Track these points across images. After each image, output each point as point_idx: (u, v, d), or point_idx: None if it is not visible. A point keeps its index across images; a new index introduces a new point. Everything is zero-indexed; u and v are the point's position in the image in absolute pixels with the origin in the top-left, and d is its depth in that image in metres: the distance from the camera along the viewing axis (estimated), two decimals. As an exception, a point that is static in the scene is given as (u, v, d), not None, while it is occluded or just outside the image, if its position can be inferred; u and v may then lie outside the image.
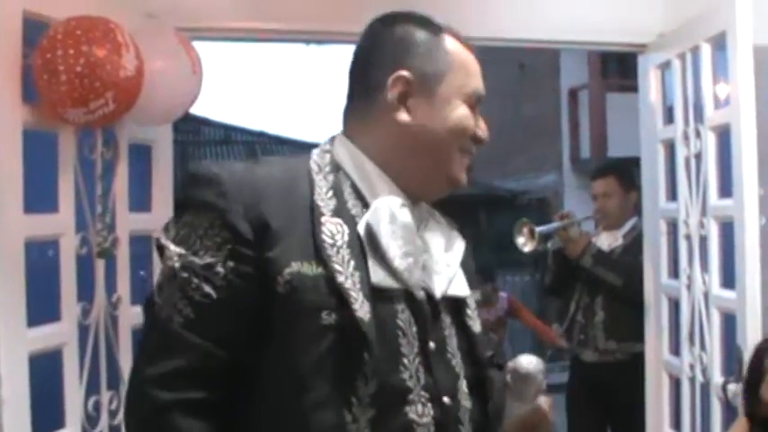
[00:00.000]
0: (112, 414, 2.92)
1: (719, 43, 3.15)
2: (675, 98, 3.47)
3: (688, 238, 3.35)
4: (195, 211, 1.46)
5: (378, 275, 1.44)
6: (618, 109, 12.13)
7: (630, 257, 4.26)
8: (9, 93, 2.50)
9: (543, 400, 1.59)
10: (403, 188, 1.56)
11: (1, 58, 2.47)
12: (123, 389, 2.96)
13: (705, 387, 3.20)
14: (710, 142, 3.19)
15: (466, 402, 1.54)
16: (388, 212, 1.48)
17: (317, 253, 1.42)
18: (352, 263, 1.43)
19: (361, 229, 1.47)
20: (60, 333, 2.72)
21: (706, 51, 3.22)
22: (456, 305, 1.60)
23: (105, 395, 2.89)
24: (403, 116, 1.55)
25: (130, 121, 2.91)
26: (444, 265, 1.57)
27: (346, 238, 1.45)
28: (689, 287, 3.33)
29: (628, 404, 4.02)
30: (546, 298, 7.25)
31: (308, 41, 3.83)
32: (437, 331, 1.52)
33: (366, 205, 1.51)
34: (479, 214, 13.22)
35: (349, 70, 1.65)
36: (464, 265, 1.64)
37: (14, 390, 2.49)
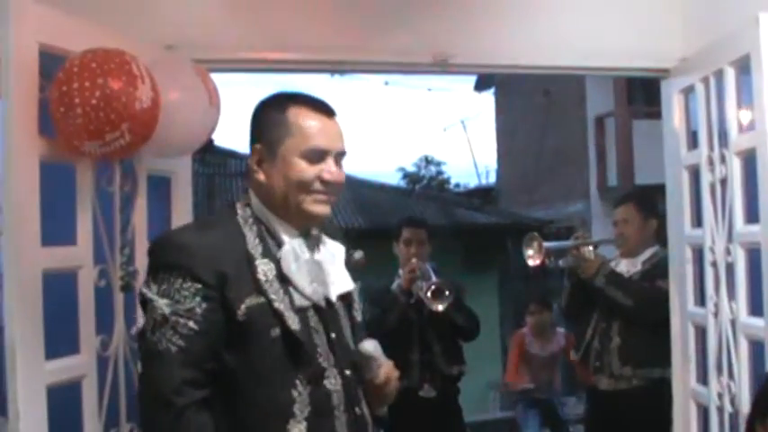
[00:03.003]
0: (132, 446, 2.90)
1: (743, 66, 3.10)
2: (699, 123, 3.42)
3: (714, 264, 3.30)
4: (170, 271, 2.08)
5: (298, 299, 2.15)
6: (644, 136, 12.06)
7: (647, 283, 4.24)
8: (26, 126, 2.51)
9: (385, 366, 2.31)
10: (292, 225, 2.22)
11: (18, 92, 2.49)
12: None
13: (734, 417, 3.13)
14: (736, 167, 3.14)
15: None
16: (293, 255, 2.16)
17: (258, 287, 2.10)
18: (281, 291, 2.13)
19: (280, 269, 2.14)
20: (79, 365, 2.71)
21: (730, 75, 3.18)
22: (348, 302, 2.33)
23: (125, 427, 2.88)
24: (260, 176, 2.21)
25: (149, 152, 2.91)
26: (334, 276, 2.26)
27: (274, 272, 2.14)
28: (716, 315, 3.27)
29: None
30: (566, 323, 7.10)
31: (325, 71, 3.83)
32: (336, 324, 2.25)
33: (279, 244, 2.19)
34: (507, 243, 13.17)
35: None
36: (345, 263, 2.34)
37: (32, 423, 2.47)
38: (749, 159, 3.09)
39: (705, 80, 3.37)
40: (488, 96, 19.70)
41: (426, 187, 29.89)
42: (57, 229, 2.66)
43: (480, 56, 3.61)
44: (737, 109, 3.16)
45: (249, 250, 2.14)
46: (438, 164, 34.36)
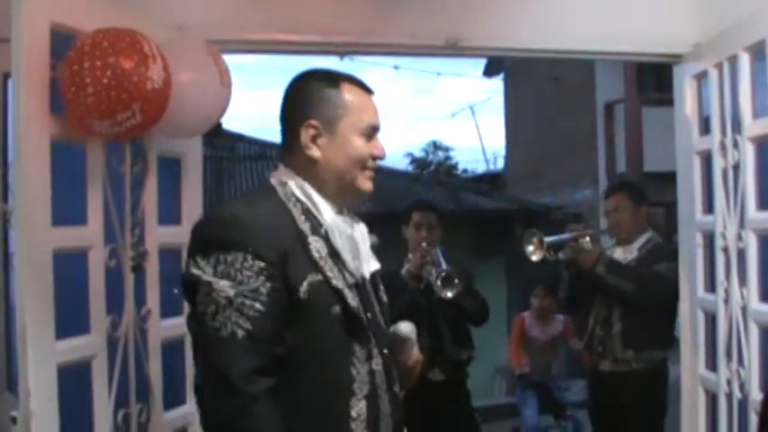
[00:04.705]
0: (142, 426, 2.91)
1: (758, 52, 3.09)
2: (712, 109, 3.41)
3: (725, 251, 3.29)
4: (226, 249, 2.00)
5: (348, 277, 2.13)
6: (654, 123, 12.00)
7: (644, 268, 4.30)
8: (37, 105, 2.51)
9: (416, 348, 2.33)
10: (332, 203, 2.20)
11: (29, 71, 2.48)
12: (152, 401, 2.96)
13: (743, 403, 3.13)
14: (749, 153, 3.13)
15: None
16: (338, 231, 2.15)
17: (314, 264, 2.07)
18: (336, 268, 2.11)
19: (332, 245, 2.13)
20: (89, 345, 2.72)
21: (744, 60, 3.17)
22: (374, 282, 2.30)
23: (134, 407, 2.89)
24: (315, 153, 2.17)
25: (159, 133, 2.91)
26: (366, 255, 2.25)
27: (325, 251, 2.11)
28: (726, 301, 3.27)
29: (643, 420, 4.03)
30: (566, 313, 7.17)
31: (336, 54, 3.82)
32: (370, 304, 2.22)
33: (320, 221, 2.15)
34: (515, 229, 13.14)
35: (279, 116, 2.25)
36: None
37: (43, 402, 2.48)
38: (762, 145, 3.08)
39: (719, 66, 3.36)
40: (498, 82, 19.65)
41: (434, 172, 29.82)
42: (67, 209, 2.66)
43: (491, 39, 3.60)
44: (751, 94, 3.15)
45: (300, 227, 2.10)
46: (446, 149, 34.27)
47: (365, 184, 2.23)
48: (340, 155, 2.18)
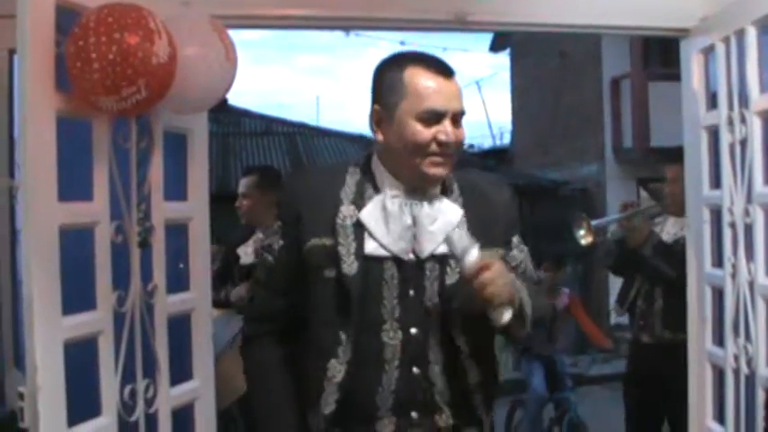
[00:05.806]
0: (148, 402, 2.92)
1: (766, 26, 3.07)
2: (719, 83, 3.39)
3: (732, 226, 3.28)
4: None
5: (369, 246, 2.23)
6: (661, 98, 11.99)
7: None
8: (42, 81, 2.50)
9: (476, 257, 2.10)
10: (402, 181, 2.27)
11: (34, 47, 2.47)
12: (159, 377, 2.97)
13: (750, 379, 3.12)
14: (756, 128, 3.12)
15: (435, 332, 2.25)
16: (380, 205, 2.25)
17: (332, 230, 2.23)
18: (352, 236, 2.22)
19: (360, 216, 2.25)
20: (96, 321, 2.72)
21: (751, 34, 3.14)
22: (444, 264, 2.25)
23: (141, 383, 2.89)
24: (379, 137, 2.30)
25: (165, 109, 2.90)
26: (430, 234, 2.24)
27: (354, 219, 2.24)
28: (733, 276, 3.26)
29: (682, 391, 4.04)
30: (585, 291, 7.22)
31: (341, 29, 3.80)
32: (418, 281, 2.25)
33: (374, 195, 2.29)
34: (522, 204, 13.12)
35: None
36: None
37: (50, 378, 2.49)
38: (770, 120, 3.07)
39: (726, 40, 3.33)
40: (504, 57, 19.61)
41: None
42: (73, 185, 2.66)
43: (499, 13, 3.57)
44: (759, 69, 3.13)
45: (340, 195, 2.27)
46: (452, 124, 34.15)
47: (430, 169, 2.23)
48: (397, 139, 2.24)
